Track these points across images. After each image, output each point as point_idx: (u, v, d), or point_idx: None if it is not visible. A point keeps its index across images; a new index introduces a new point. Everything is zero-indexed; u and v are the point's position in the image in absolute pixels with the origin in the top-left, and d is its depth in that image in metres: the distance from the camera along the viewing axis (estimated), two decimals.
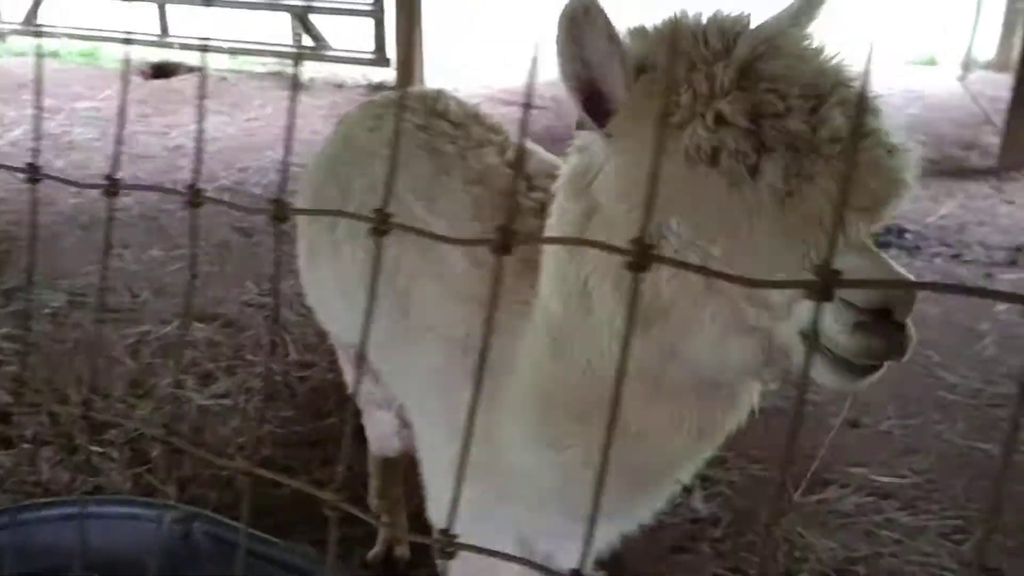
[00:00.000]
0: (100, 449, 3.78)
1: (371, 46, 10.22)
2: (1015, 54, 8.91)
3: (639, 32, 1.46)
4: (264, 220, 6.48)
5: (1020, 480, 3.68)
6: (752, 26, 1.44)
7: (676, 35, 1.42)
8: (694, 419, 1.61)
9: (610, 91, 1.39)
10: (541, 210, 2.14)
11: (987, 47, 11.57)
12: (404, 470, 3.23)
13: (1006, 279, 5.70)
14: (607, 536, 2.22)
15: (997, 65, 11.15)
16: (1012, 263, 5.92)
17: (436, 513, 2.28)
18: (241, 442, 3.88)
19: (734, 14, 1.45)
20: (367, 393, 2.96)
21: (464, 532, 2.26)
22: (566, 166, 1.62)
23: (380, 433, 3.06)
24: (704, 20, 1.44)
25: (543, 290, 1.71)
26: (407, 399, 2.44)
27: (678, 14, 1.45)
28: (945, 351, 4.75)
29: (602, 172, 1.46)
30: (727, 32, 1.39)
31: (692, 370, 1.50)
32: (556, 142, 7.59)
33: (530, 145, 2.41)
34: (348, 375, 3.11)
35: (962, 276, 5.81)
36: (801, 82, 1.33)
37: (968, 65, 11.15)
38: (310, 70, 10.72)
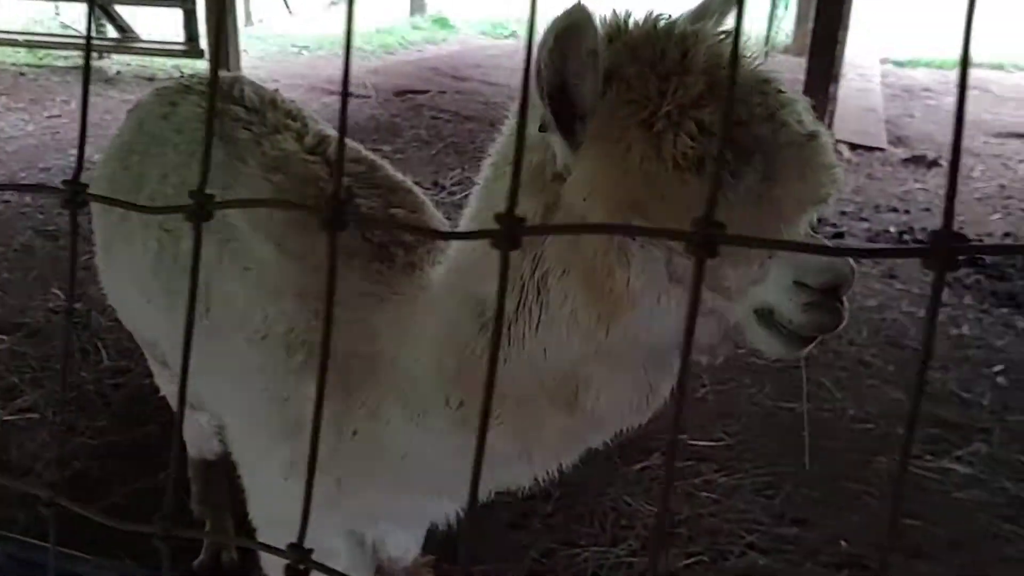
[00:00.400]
0: None
1: (183, 37, 9.80)
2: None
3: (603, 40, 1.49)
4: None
5: (824, 436, 3.96)
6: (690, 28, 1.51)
7: (644, 44, 1.47)
8: (644, 390, 1.67)
9: (580, 99, 1.43)
10: (347, 196, 2.11)
11: (787, 33, 12.30)
12: (227, 472, 3.13)
13: None
14: (443, 514, 2.23)
15: (795, 50, 11.88)
16: (839, 235, 6.31)
17: (261, 516, 2.22)
18: (50, 456, 3.65)
19: (678, 17, 1.54)
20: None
21: (292, 529, 2.21)
22: (505, 165, 1.65)
23: (197, 435, 2.95)
24: (658, 25, 1.50)
25: (479, 285, 1.67)
26: (218, 400, 2.34)
27: (637, 19, 1.51)
28: None
29: (574, 173, 1.48)
30: (686, 39, 1.46)
31: (651, 350, 1.58)
32: (380, 130, 7.60)
33: (329, 131, 2.38)
34: (158, 377, 2.98)
35: None
36: (750, 87, 1.43)
37: (768, 51, 11.82)
38: (118, 63, 10.19)
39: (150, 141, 2.47)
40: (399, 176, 2.32)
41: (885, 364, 4.57)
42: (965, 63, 0.56)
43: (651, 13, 1.52)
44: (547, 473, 1.94)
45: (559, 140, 1.47)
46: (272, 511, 2.18)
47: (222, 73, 2.66)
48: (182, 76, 2.74)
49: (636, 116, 1.40)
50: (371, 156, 2.37)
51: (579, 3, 1.35)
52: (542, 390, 1.65)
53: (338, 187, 0.70)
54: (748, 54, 1.51)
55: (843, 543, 3.35)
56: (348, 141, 2.35)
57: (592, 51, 1.38)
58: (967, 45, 0.57)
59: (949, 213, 0.55)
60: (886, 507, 3.56)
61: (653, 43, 1.45)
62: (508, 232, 0.67)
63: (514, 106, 1.64)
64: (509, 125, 1.70)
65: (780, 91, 1.46)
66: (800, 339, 1.46)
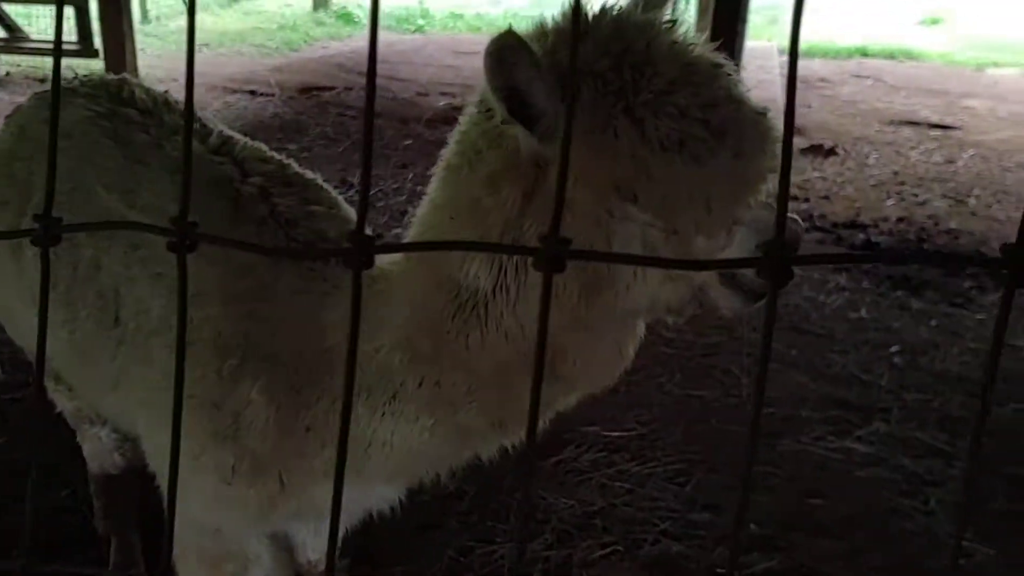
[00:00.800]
0: None
1: (75, 36, 9.46)
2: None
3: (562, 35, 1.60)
4: None
5: (734, 422, 4.06)
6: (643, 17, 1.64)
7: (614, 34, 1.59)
8: (615, 354, 1.78)
9: (534, 101, 1.52)
10: (263, 194, 2.09)
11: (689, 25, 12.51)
12: (131, 485, 3.04)
13: None
14: (386, 503, 2.23)
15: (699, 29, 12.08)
16: None
17: (186, 525, 2.17)
18: None
19: (629, 9, 1.64)
20: (75, 410, 2.76)
21: (215, 533, 2.16)
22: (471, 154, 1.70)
23: (97, 450, 2.86)
24: (620, 19, 1.60)
25: (453, 267, 1.72)
26: (132, 411, 2.27)
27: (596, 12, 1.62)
28: None
29: (556, 164, 1.52)
30: (646, 31, 1.58)
31: (625, 317, 1.72)
32: (285, 129, 7.45)
33: (229, 132, 2.34)
34: (52, 393, 2.87)
35: None
36: (710, 71, 1.57)
37: None
38: (7, 64, 9.78)
39: (35, 147, 2.39)
40: (309, 174, 2.30)
41: (788, 349, 4.71)
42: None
43: (606, 7, 1.63)
44: (518, 441, 2.00)
45: (523, 132, 1.55)
46: (201, 519, 2.14)
47: (108, 76, 2.58)
48: (75, 77, 2.64)
49: (618, 105, 1.51)
50: (277, 155, 2.34)
51: (507, 30, 1.45)
52: (519, 363, 1.72)
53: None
54: (696, 40, 1.63)
55: (752, 526, 3.44)
56: (252, 141, 2.31)
57: (532, 63, 1.48)
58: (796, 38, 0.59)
59: None
60: (792, 488, 3.67)
61: (619, 37, 1.57)
62: (551, 254, 0.73)
63: (474, 97, 1.73)
64: (469, 113, 1.74)
65: (729, 73, 1.59)
66: (755, 295, 1.62)
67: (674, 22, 1.63)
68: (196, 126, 2.31)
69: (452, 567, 3.20)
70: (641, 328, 1.87)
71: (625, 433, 3.96)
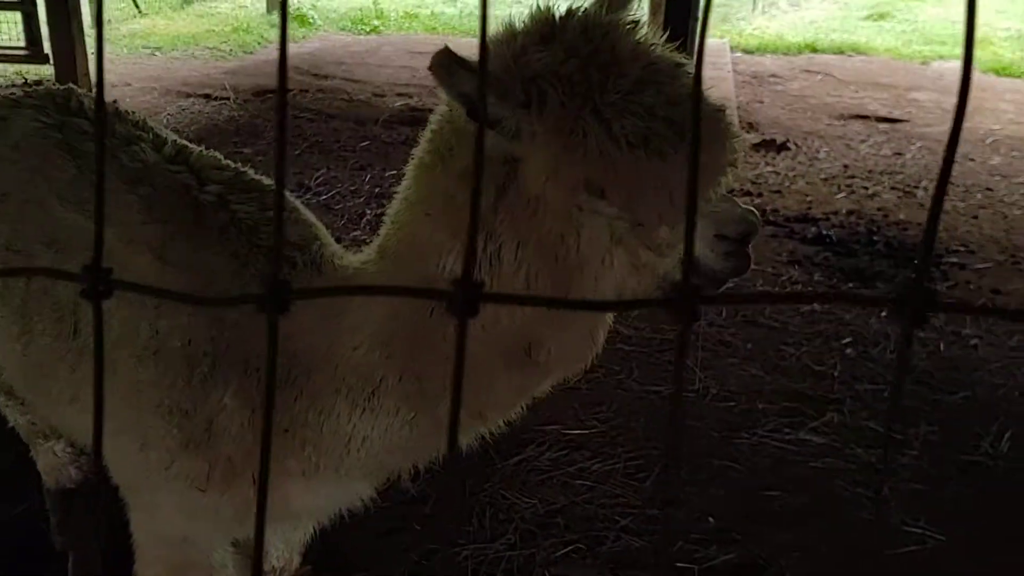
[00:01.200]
0: None
1: (24, 41, 9.29)
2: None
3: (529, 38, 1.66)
4: None
5: (689, 416, 4.11)
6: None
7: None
8: (588, 340, 1.86)
9: (488, 107, 1.57)
10: (222, 201, 2.10)
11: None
12: (88, 498, 3.02)
13: None
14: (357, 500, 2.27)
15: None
16: None
17: (151, 535, 2.17)
18: None
19: (592, 11, 1.71)
20: (28, 424, 2.74)
21: (181, 543, 2.16)
22: (446, 151, 1.75)
23: (52, 465, 2.84)
24: (585, 22, 1.66)
25: (429, 263, 1.77)
26: (90, 425, 2.26)
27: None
28: None
29: (533, 160, 1.63)
30: (609, 33, 1.65)
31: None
32: (240, 133, 7.36)
33: (182, 141, 2.33)
34: (4, 408, 2.83)
35: None
36: (672, 70, 1.64)
37: None
38: None
39: None
40: (267, 179, 2.31)
41: (743, 343, 4.78)
42: None
43: (572, 8, 1.70)
44: (496, 427, 2.07)
45: (489, 132, 1.60)
46: (168, 530, 2.15)
47: (54, 86, 2.56)
48: (25, 82, 2.63)
49: (586, 106, 1.58)
50: (232, 163, 2.34)
51: (442, 50, 1.52)
52: (496, 353, 1.79)
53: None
54: (656, 40, 1.70)
55: (710, 519, 3.50)
56: (207, 150, 2.31)
57: (470, 79, 1.53)
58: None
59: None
60: (749, 481, 3.73)
61: (586, 40, 1.63)
62: (465, 297, 0.71)
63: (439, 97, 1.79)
64: (441, 111, 1.81)
65: (688, 72, 1.65)
66: (718, 282, 1.72)
67: (636, 23, 1.70)
68: (149, 136, 2.31)
69: (416, 571, 3.22)
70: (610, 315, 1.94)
71: (586, 431, 4.00)
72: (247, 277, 1.98)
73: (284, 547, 2.71)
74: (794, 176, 7.46)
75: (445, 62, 1.51)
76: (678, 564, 3.27)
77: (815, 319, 5.09)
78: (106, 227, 2.05)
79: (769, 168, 7.63)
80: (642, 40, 1.67)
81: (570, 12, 1.68)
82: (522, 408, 2.04)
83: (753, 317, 5.06)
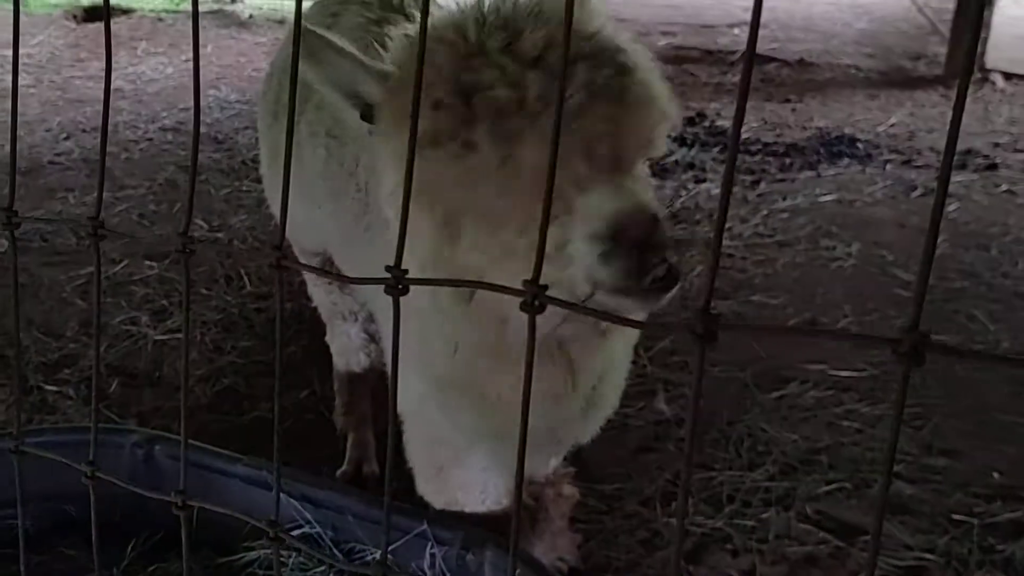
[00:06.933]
0: (56, 388, 3.71)
1: None
2: None
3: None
4: (210, 159, 6.30)
5: (978, 368, 3.76)
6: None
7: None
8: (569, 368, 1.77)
9: (366, 95, 1.56)
10: None
11: None
12: (371, 386, 3.20)
13: (956, 181, 5.77)
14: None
15: None
16: (962, 166, 5.99)
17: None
18: (200, 373, 3.83)
19: None
20: (331, 304, 2.92)
21: (426, 419, 2.23)
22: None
23: (345, 347, 3.02)
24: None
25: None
26: (375, 303, 2.39)
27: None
28: (899, 251, 4.82)
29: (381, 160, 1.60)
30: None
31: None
32: None
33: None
34: (313, 287, 3.05)
35: (913, 179, 5.87)
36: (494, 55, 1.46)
37: None
38: (250, 6, 10.43)
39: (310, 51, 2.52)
40: None
41: None
42: None
43: None
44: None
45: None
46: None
47: None
48: None
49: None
50: None
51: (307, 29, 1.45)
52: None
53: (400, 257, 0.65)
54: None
55: (995, 475, 3.19)
56: None
57: (345, 57, 1.53)
58: None
59: None
60: None
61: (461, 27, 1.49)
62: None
63: None
64: None
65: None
66: (632, 291, 1.40)
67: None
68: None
69: (669, 489, 3.17)
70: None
71: (856, 373, 3.76)
72: None
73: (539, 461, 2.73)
74: None
75: (314, 47, 1.51)
76: (954, 516, 3.01)
77: None
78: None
79: None
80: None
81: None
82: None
83: None
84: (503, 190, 1.39)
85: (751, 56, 0.70)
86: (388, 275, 0.94)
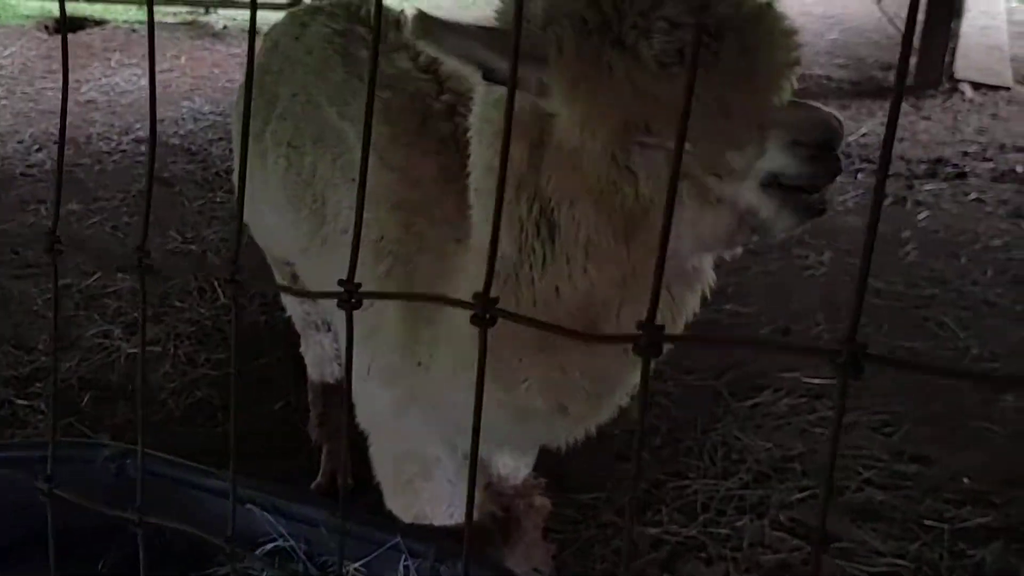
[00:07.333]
0: (26, 402, 3.67)
1: None
2: None
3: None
4: (184, 170, 6.25)
5: (949, 375, 3.80)
6: None
7: None
8: (668, 305, 1.72)
9: (487, 63, 1.50)
10: (450, 112, 2.11)
11: None
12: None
13: (926, 189, 5.85)
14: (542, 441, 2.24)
15: None
16: (931, 175, 6.06)
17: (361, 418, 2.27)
18: (173, 386, 3.80)
19: None
20: (304, 314, 2.92)
21: (393, 433, 2.23)
22: (481, 118, 1.69)
23: (319, 357, 3.02)
24: None
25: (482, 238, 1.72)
26: (330, 310, 2.41)
27: None
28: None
29: (562, 113, 1.52)
30: None
31: (672, 261, 1.55)
32: None
33: None
34: (285, 298, 3.05)
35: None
36: None
37: None
38: (224, 17, 10.40)
39: (283, 61, 2.56)
40: None
41: (1012, 304, 4.36)
42: None
43: None
44: (586, 431, 2.01)
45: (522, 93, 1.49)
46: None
47: None
48: None
49: (605, 40, 1.43)
50: None
51: (417, 14, 1.45)
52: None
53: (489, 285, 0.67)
54: None
55: (965, 480, 3.23)
56: None
57: (458, 32, 1.46)
58: None
59: None
60: (1012, 445, 3.41)
61: None
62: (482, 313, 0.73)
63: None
64: (480, 91, 1.70)
65: None
66: (806, 206, 1.51)
67: None
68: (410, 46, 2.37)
69: (644, 499, 3.19)
70: (708, 276, 1.79)
71: (828, 381, 3.79)
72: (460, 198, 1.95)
73: (510, 458, 2.73)
74: None
75: (428, 27, 1.45)
76: (926, 522, 3.05)
77: None
78: (349, 123, 2.16)
79: None
80: None
81: None
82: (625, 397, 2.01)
83: (1022, 275, 4.61)
84: (739, 97, 1.45)
85: (694, 67, 0.71)
86: (341, 288, 0.94)
